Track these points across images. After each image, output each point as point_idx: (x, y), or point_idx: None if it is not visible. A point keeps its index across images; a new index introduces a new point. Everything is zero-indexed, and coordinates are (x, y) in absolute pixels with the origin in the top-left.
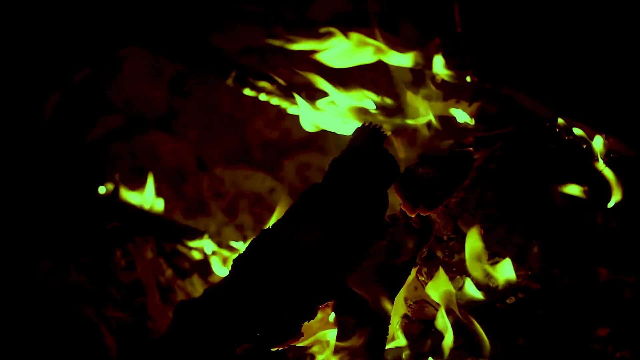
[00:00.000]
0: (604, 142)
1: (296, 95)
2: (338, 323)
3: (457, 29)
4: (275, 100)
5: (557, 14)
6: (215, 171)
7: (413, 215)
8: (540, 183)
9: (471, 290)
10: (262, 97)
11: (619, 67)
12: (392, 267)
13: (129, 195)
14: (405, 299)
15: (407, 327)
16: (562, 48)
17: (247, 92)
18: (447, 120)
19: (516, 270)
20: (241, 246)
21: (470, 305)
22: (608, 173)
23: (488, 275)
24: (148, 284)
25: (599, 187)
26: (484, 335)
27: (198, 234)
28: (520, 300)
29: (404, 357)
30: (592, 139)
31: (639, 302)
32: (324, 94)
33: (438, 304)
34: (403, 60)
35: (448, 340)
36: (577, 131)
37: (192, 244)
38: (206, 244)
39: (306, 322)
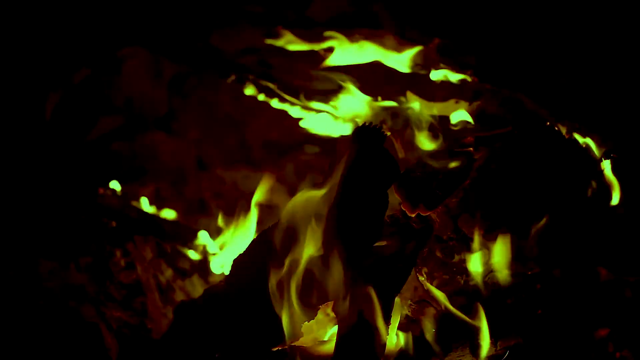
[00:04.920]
0: (603, 142)
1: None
2: (338, 322)
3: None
4: (275, 102)
5: (556, 15)
6: (215, 171)
7: (413, 215)
8: (540, 183)
9: None
10: (262, 97)
11: (618, 68)
12: (393, 267)
13: (129, 196)
14: (406, 299)
15: (408, 327)
16: (562, 49)
17: (247, 92)
18: (447, 121)
19: (516, 270)
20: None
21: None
22: (608, 173)
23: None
24: (148, 284)
25: (599, 187)
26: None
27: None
28: (521, 300)
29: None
30: (591, 139)
31: (639, 302)
32: (324, 94)
33: (438, 304)
34: (403, 60)
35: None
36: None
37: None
38: (206, 244)
39: (306, 322)
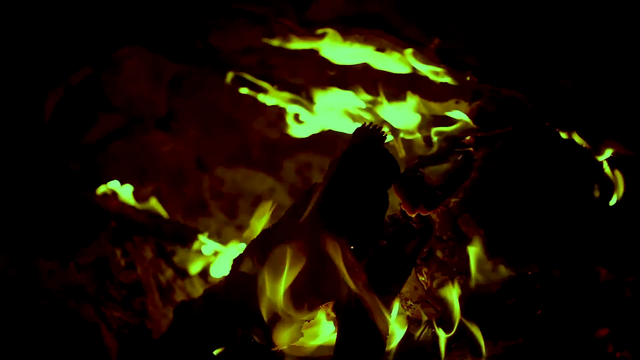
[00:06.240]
0: (602, 142)
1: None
2: (338, 323)
3: None
4: (273, 101)
5: (556, 15)
6: (215, 171)
7: (413, 215)
8: (540, 183)
9: None
10: (261, 97)
11: (618, 68)
12: (393, 267)
13: (129, 196)
14: (406, 299)
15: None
16: (562, 49)
17: (246, 91)
18: (447, 120)
19: (516, 270)
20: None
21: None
22: (608, 173)
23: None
24: (148, 284)
25: (599, 187)
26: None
27: (197, 234)
28: (520, 300)
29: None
30: (592, 140)
31: (639, 302)
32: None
33: (438, 305)
34: (403, 60)
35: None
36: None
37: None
38: (206, 244)
39: (306, 322)
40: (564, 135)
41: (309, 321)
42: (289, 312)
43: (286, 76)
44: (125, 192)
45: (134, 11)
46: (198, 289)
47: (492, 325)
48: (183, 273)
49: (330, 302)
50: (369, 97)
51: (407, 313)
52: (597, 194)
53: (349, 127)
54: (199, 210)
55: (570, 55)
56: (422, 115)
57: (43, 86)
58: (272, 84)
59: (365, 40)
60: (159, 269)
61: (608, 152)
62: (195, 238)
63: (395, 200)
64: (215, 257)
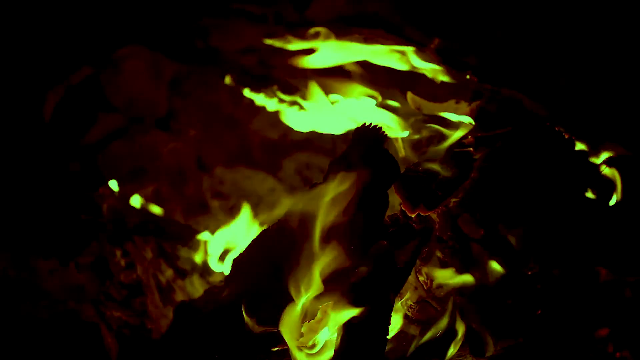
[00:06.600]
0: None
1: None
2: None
3: None
4: (274, 102)
5: (556, 15)
6: (215, 171)
7: (413, 215)
8: (540, 183)
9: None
10: (260, 97)
11: (618, 69)
12: (393, 267)
13: (128, 196)
14: (405, 300)
15: (407, 327)
16: (562, 49)
17: (246, 92)
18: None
19: (516, 270)
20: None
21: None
22: (608, 173)
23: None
24: (148, 284)
25: (599, 187)
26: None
27: (197, 234)
28: (520, 300)
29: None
30: (592, 140)
31: (639, 302)
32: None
33: (438, 305)
34: (403, 60)
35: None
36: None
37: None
38: (206, 244)
39: (306, 321)
40: (564, 135)
41: (309, 321)
42: (290, 312)
43: (286, 76)
44: (126, 192)
45: (134, 11)
46: (198, 289)
47: (492, 325)
48: (183, 273)
49: (330, 302)
50: (369, 97)
51: (407, 313)
52: (596, 194)
53: (349, 128)
54: (199, 210)
55: (570, 55)
56: (422, 115)
57: (43, 86)
58: (272, 84)
59: (365, 40)
60: (159, 269)
61: (604, 155)
62: (195, 238)
63: (395, 200)
64: (215, 257)
